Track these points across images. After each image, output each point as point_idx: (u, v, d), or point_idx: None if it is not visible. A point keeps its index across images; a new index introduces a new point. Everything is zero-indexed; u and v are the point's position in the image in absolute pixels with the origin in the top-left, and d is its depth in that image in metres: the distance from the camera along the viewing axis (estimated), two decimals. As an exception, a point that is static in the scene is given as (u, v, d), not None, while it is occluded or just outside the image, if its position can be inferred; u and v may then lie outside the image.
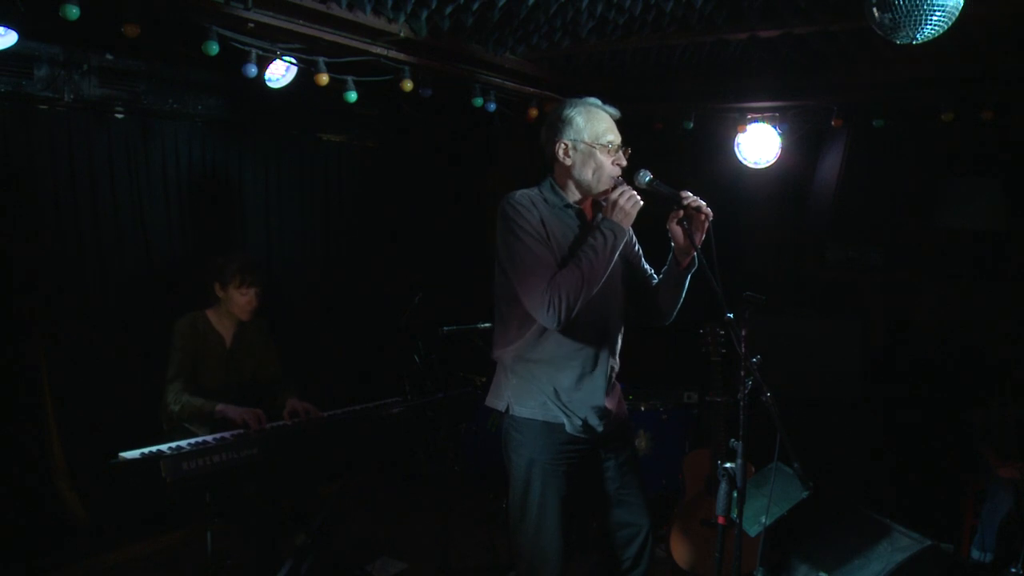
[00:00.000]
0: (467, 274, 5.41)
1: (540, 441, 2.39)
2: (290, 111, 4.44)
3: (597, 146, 2.37)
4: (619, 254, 2.40)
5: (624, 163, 2.40)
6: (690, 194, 2.31)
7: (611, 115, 2.44)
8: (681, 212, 2.33)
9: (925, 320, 4.72)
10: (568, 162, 2.41)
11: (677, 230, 2.36)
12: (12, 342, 3.54)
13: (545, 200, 2.43)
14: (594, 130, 2.38)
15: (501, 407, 2.47)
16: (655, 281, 2.57)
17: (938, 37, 2.18)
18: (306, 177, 4.80)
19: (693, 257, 2.39)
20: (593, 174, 2.38)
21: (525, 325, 2.41)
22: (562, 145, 2.40)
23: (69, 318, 3.69)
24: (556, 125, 2.42)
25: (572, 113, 2.40)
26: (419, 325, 4.19)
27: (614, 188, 2.34)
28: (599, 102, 2.44)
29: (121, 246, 3.90)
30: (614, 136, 2.40)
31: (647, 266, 2.61)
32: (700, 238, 2.32)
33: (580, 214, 2.44)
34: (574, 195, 2.45)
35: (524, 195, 2.41)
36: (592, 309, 2.37)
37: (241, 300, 3.35)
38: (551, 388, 2.39)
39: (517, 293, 2.34)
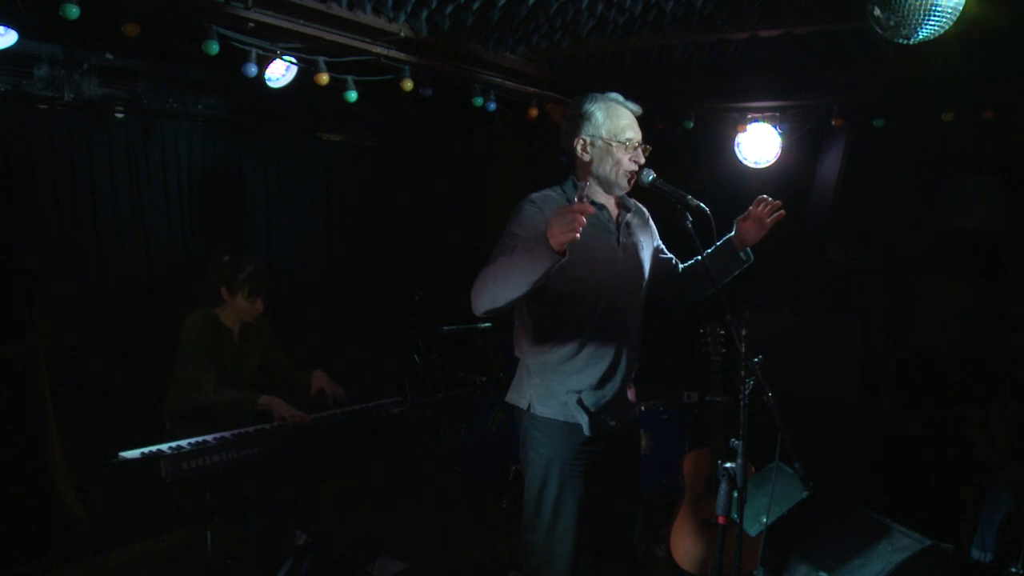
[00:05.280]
0: (467, 274, 5.42)
1: (560, 441, 2.40)
2: (290, 111, 4.44)
3: (615, 143, 2.37)
4: (645, 254, 2.50)
5: (642, 160, 2.41)
6: (767, 198, 2.53)
7: (632, 111, 2.44)
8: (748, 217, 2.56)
9: (925, 320, 4.72)
10: (586, 158, 2.41)
11: (748, 227, 2.56)
12: (12, 342, 3.54)
13: (568, 200, 2.41)
14: (613, 126, 2.38)
15: (523, 405, 2.47)
16: (679, 265, 2.70)
17: (938, 37, 2.19)
18: (306, 177, 4.80)
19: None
20: (611, 170, 2.39)
21: (543, 325, 2.42)
22: (580, 141, 2.41)
23: (69, 318, 3.69)
24: (576, 120, 2.42)
25: (592, 108, 2.40)
26: (419, 325, 4.19)
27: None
28: (620, 97, 2.43)
29: (121, 246, 3.90)
30: (633, 133, 2.40)
31: (668, 254, 2.69)
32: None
33: (604, 210, 2.44)
34: (597, 192, 2.45)
35: (540, 196, 2.40)
36: (612, 311, 2.39)
37: (248, 307, 3.41)
38: (572, 389, 2.40)
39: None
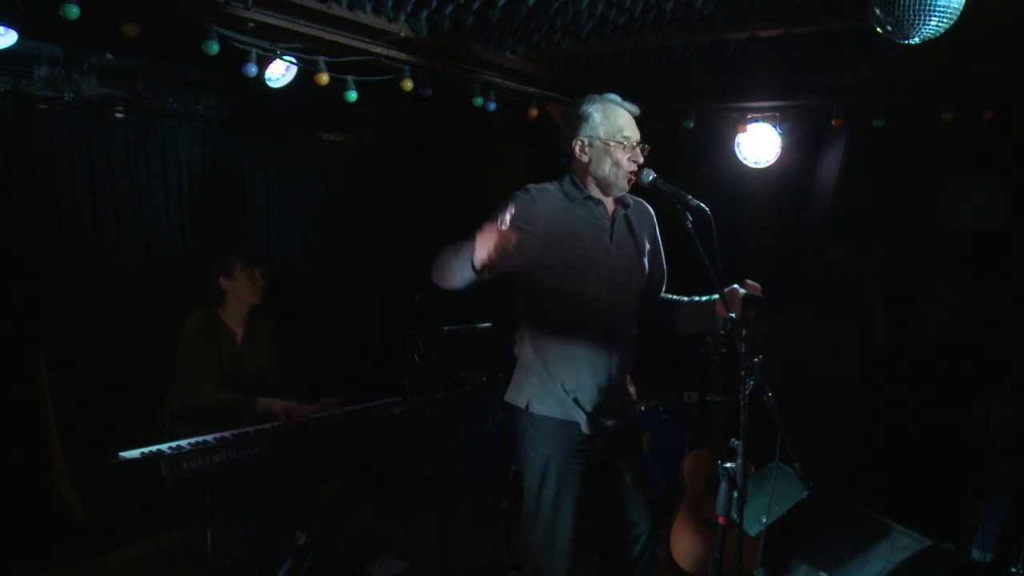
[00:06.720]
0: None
1: (558, 439, 2.40)
2: (290, 111, 4.44)
3: (612, 143, 2.37)
4: (643, 253, 2.48)
5: (641, 160, 2.41)
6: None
7: (630, 112, 2.45)
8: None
9: (925, 320, 4.72)
10: (585, 159, 2.42)
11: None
12: (12, 342, 3.54)
13: (565, 194, 2.42)
14: (611, 127, 2.39)
15: (521, 404, 2.47)
16: (665, 295, 2.63)
17: (938, 37, 2.18)
18: (306, 177, 4.80)
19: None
20: (610, 170, 2.39)
21: (538, 323, 2.43)
22: (579, 142, 2.41)
23: (69, 318, 3.69)
24: (574, 122, 2.43)
25: (590, 109, 2.41)
26: (419, 325, 4.19)
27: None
28: (618, 98, 2.44)
29: (121, 246, 3.90)
30: (631, 132, 2.41)
31: (662, 267, 2.63)
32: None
33: (600, 206, 2.44)
34: (595, 191, 2.45)
35: (537, 187, 2.41)
36: (605, 309, 2.40)
37: (248, 283, 3.40)
38: (569, 387, 2.40)
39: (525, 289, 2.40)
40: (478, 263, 1.99)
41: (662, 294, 2.68)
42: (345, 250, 4.98)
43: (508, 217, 2.01)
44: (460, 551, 3.78)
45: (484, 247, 1.97)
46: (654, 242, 2.61)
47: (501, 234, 1.96)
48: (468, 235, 2.14)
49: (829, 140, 4.69)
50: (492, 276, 2.14)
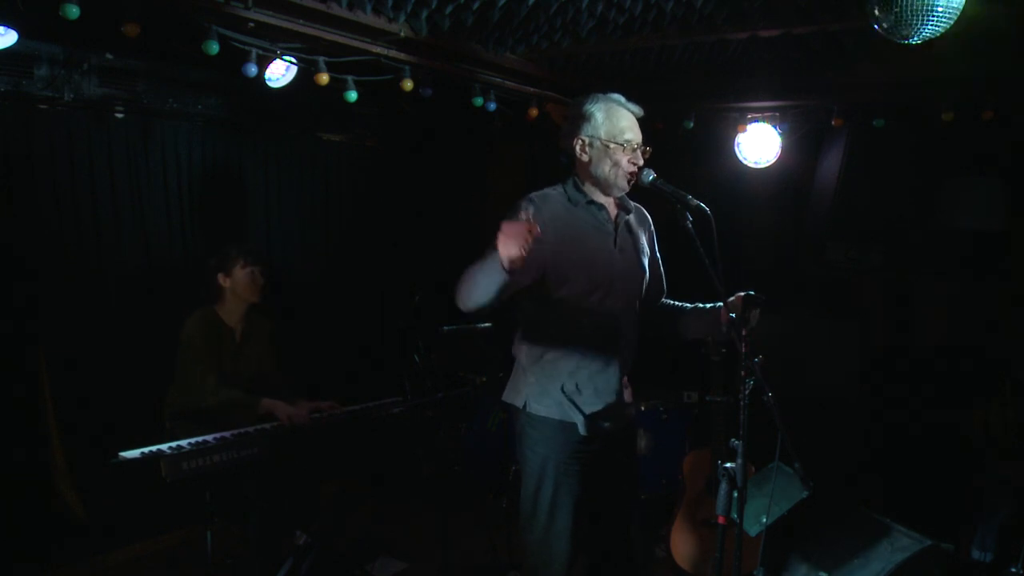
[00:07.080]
0: (467, 274, 5.41)
1: (556, 440, 2.40)
2: (290, 111, 4.44)
3: (613, 144, 2.37)
4: (644, 257, 2.47)
5: (641, 162, 2.41)
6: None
7: (633, 113, 2.44)
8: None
9: (925, 320, 4.72)
10: (585, 158, 2.42)
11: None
12: (12, 342, 3.54)
13: (569, 199, 2.43)
14: (612, 127, 2.38)
15: (519, 404, 2.47)
16: (667, 301, 2.65)
17: (938, 37, 2.19)
18: (306, 177, 4.80)
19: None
20: (609, 171, 2.39)
21: (538, 324, 2.43)
22: (579, 141, 2.41)
23: (69, 318, 3.69)
24: (576, 120, 2.43)
25: (593, 109, 2.40)
26: (419, 325, 4.20)
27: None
28: (622, 99, 2.44)
29: (121, 246, 3.90)
30: (633, 134, 2.40)
31: (661, 273, 2.65)
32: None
33: (603, 210, 2.45)
34: (595, 192, 2.45)
35: (540, 195, 2.41)
36: (607, 312, 2.40)
37: (247, 279, 3.40)
38: (566, 387, 2.40)
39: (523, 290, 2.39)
40: (507, 262, 1.97)
41: (663, 300, 2.69)
42: (345, 250, 4.98)
43: (523, 215, 2.00)
44: (460, 551, 3.78)
45: (508, 245, 1.96)
46: (652, 248, 2.62)
47: (521, 227, 1.96)
48: (482, 252, 2.14)
49: (829, 140, 4.69)
50: (516, 282, 2.12)
